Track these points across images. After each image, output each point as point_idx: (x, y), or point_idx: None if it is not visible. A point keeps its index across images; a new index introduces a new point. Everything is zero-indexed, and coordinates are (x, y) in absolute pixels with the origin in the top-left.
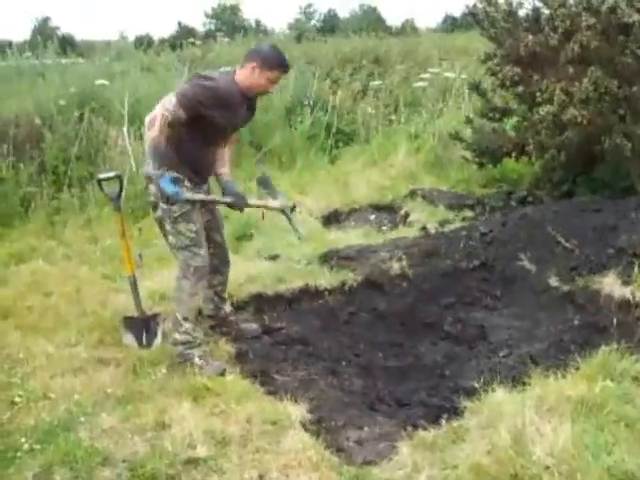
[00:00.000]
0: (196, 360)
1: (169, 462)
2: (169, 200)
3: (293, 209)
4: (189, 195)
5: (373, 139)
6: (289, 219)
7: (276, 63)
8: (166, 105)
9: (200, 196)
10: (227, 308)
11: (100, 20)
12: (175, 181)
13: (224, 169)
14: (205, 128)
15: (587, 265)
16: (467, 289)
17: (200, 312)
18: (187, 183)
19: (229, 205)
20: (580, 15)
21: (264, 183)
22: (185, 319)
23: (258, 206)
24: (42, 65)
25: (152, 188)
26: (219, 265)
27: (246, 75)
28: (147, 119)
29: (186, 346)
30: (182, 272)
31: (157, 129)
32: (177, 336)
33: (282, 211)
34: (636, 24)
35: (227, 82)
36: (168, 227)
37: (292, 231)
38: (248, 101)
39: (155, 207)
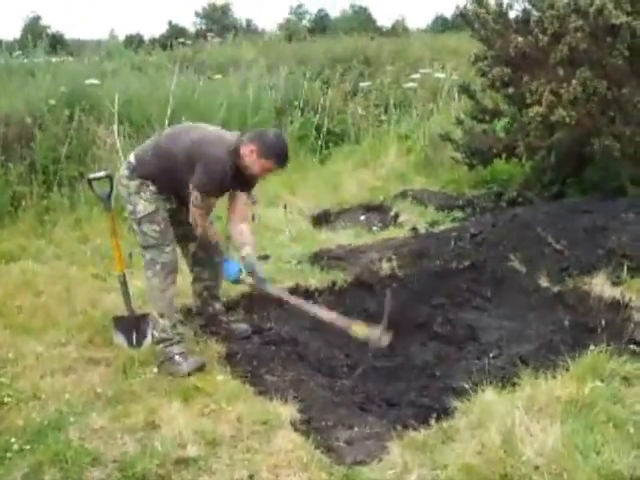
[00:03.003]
0: (176, 358)
1: (159, 462)
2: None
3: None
4: (270, 289)
5: (363, 140)
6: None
7: (273, 155)
8: (195, 204)
9: (278, 292)
10: (217, 306)
11: (90, 19)
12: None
13: (248, 249)
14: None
15: (577, 266)
16: (457, 290)
17: (189, 311)
18: (152, 187)
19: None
20: (569, 17)
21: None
22: (161, 316)
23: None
24: (32, 64)
25: (121, 190)
26: (205, 258)
27: (245, 153)
28: (191, 219)
29: (165, 343)
30: (150, 270)
31: (200, 225)
32: (156, 334)
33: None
34: (624, 25)
35: (228, 163)
36: (134, 227)
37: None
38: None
39: None
